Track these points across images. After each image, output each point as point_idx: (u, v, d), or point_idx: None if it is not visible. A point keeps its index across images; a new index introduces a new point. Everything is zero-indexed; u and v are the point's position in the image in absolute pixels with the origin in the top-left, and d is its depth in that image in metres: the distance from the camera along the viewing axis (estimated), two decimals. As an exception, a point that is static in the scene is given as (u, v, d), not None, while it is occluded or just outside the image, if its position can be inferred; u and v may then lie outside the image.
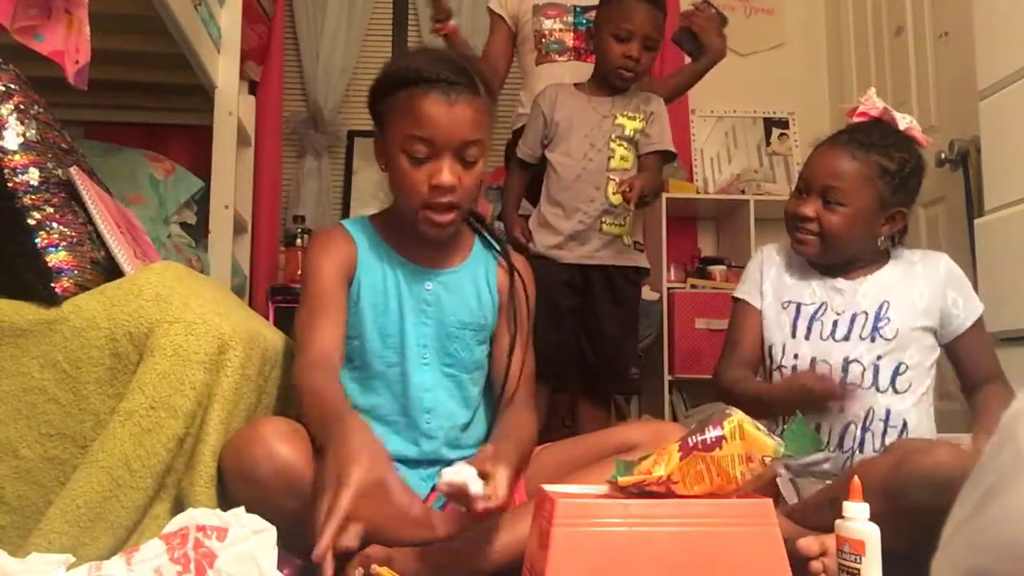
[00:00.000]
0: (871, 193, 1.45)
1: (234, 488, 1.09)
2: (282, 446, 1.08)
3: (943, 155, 2.24)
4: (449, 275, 1.39)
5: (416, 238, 1.36)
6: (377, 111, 1.33)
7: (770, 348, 1.55)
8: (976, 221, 1.82)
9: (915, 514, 1.09)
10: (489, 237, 1.47)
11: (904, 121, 1.49)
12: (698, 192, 3.36)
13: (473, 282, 1.41)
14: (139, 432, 1.06)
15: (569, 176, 2.07)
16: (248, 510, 0.98)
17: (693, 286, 3.13)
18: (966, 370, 1.52)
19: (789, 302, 1.54)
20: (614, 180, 2.08)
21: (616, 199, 2.08)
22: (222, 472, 1.11)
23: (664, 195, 3.10)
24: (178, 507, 1.08)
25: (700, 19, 2.25)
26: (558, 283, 2.06)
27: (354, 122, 3.53)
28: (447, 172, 1.25)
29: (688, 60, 2.41)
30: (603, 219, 2.08)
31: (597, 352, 2.13)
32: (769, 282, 1.58)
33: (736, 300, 1.62)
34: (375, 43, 3.59)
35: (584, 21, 2.30)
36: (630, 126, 2.10)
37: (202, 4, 2.29)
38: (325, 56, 3.44)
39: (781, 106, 3.51)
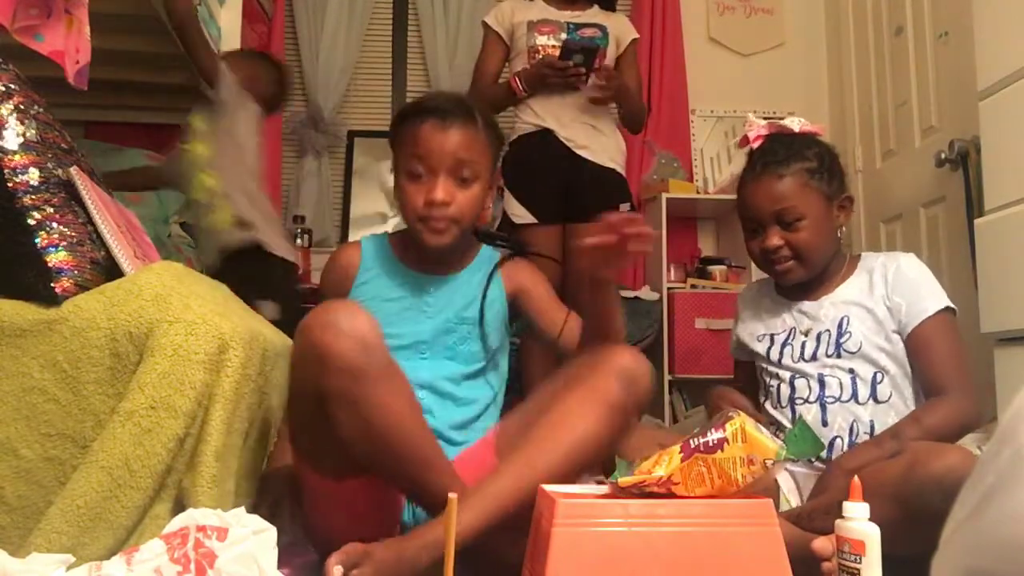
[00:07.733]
0: (816, 195, 1.51)
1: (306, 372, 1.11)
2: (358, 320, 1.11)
3: (943, 155, 2.24)
4: (451, 278, 1.48)
5: (425, 255, 1.45)
6: (391, 146, 1.47)
7: (760, 373, 1.62)
8: (976, 221, 1.82)
9: (926, 519, 1.09)
10: (502, 243, 1.56)
11: (795, 123, 1.58)
12: (698, 192, 3.36)
13: (475, 280, 1.48)
14: (139, 432, 1.06)
15: None
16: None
17: (693, 286, 3.13)
18: (919, 375, 1.48)
19: (764, 335, 1.61)
20: None
21: None
22: (292, 358, 1.14)
23: (664, 195, 3.10)
24: (178, 507, 1.08)
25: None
26: None
27: (354, 122, 3.52)
28: (440, 189, 1.37)
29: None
30: None
31: None
32: (747, 322, 1.67)
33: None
34: (375, 43, 3.59)
35: (577, 37, 2.35)
36: None
37: (202, 4, 2.29)
38: (325, 56, 3.44)
39: (781, 106, 3.50)
